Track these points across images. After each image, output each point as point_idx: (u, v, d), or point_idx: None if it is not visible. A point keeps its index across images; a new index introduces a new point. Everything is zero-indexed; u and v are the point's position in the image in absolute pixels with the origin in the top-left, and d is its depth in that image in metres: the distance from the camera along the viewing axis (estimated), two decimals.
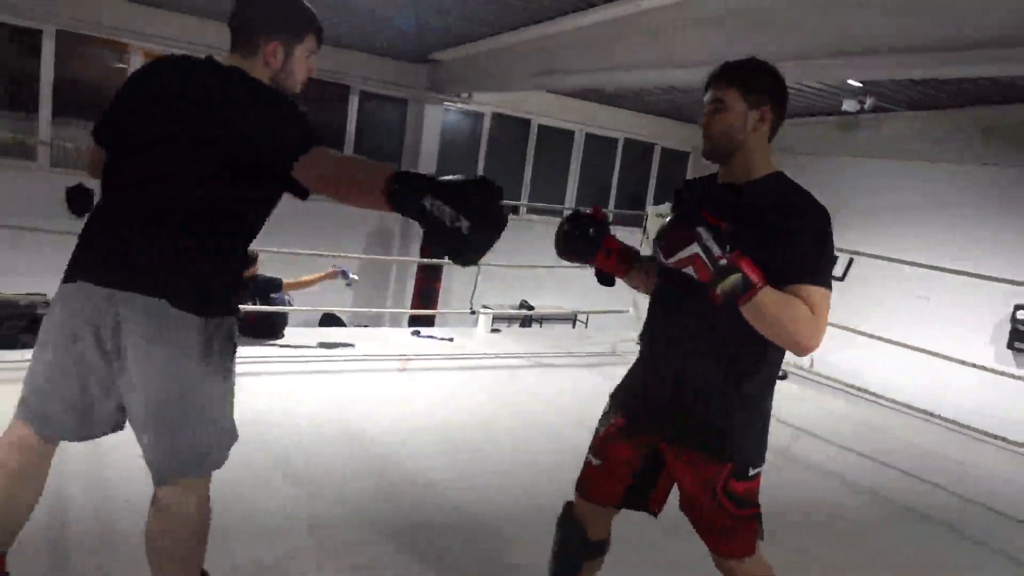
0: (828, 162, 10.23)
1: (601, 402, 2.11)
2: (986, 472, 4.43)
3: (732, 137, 1.80)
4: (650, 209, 6.65)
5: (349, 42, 9.42)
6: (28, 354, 4.07)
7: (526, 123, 11.49)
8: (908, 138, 9.72)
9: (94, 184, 7.37)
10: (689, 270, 1.66)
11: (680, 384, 1.85)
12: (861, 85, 8.08)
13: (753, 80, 1.81)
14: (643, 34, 6.36)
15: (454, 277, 10.39)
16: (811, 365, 5.53)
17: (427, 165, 10.45)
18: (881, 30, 4.61)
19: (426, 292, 9.90)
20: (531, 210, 11.48)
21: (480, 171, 11.25)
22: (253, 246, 1.94)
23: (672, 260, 1.67)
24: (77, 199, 8.41)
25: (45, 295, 4.70)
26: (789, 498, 3.57)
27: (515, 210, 11.20)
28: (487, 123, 11.21)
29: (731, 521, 1.83)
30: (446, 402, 4.51)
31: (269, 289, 5.42)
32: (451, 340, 6.06)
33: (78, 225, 6.60)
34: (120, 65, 8.82)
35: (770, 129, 1.82)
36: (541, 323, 11.20)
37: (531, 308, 10.97)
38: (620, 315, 7.41)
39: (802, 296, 1.66)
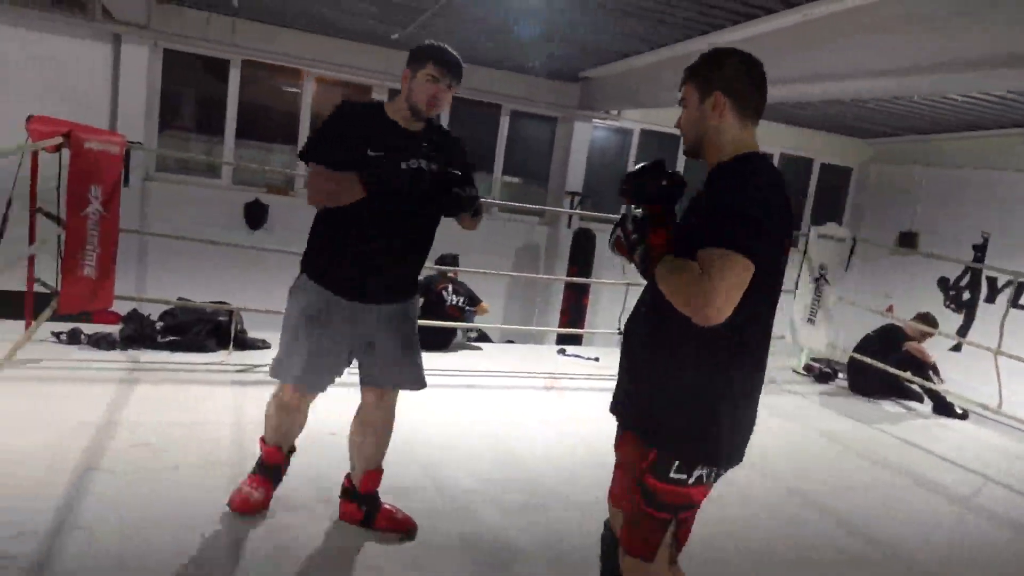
0: (1012, 176, 9.25)
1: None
2: None
3: (693, 129, 1.83)
4: (813, 230, 6.27)
5: (502, 63, 9.65)
6: (212, 357, 4.42)
7: (675, 139, 11.25)
8: None
9: (269, 200, 7.90)
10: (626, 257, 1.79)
11: (631, 372, 1.90)
12: None
13: (701, 71, 1.83)
14: (809, 44, 6.03)
15: (602, 293, 10.32)
16: (999, 405, 4.97)
17: (574, 182, 10.48)
18: None
19: (573, 309, 9.89)
20: None
21: None
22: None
23: (618, 252, 1.82)
24: (253, 214, 9.19)
25: (228, 304, 5.09)
26: (971, 557, 3.22)
27: None
28: (635, 139, 11.08)
29: (638, 512, 1.79)
30: (590, 423, 4.45)
31: (473, 301, 5.69)
32: (597, 360, 6.00)
33: (254, 238, 7.16)
34: (293, 90, 9.52)
35: (734, 113, 1.79)
36: None
37: None
38: (775, 340, 7.04)
39: (699, 259, 1.58)
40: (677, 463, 1.73)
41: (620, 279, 6.61)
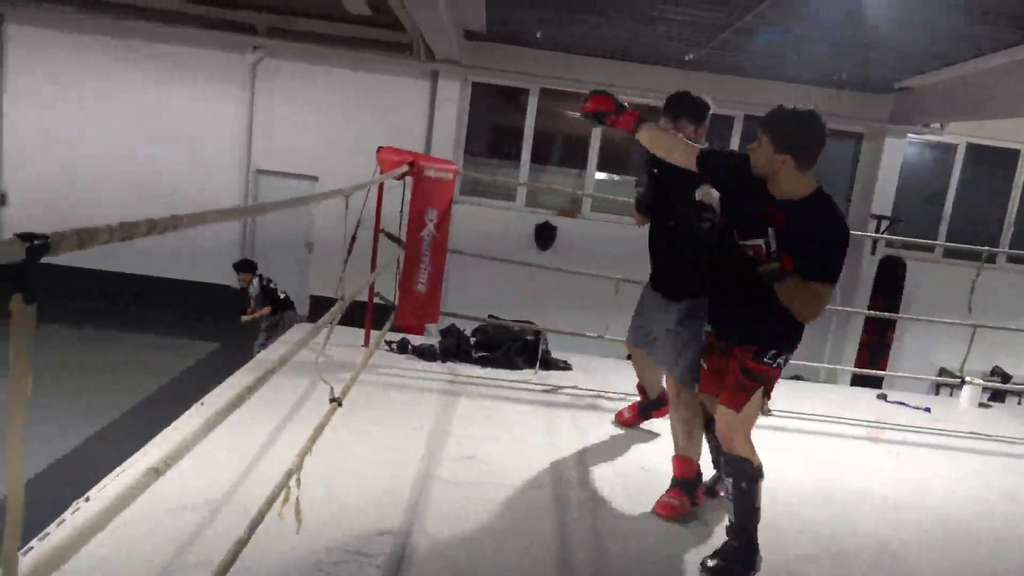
0: None
1: None
2: None
3: (765, 168, 2.54)
4: None
5: (800, 76, 9.00)
6: (520, 375, 4.56)
7: (1012, 154, 9.63)
8: None
9: (558, 222, 8.08)
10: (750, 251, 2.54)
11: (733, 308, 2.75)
12: None
13: (773, 129, 2.51)
14: None
15: (907, 328, 9.14)
16: None
17: (882, 204, 9.42)
18: None
19: (875, 345, 8.85)
20: (1012, 258, 9.54)
21: (948, 211, 9.75)
22: None
23: (742, 242, 2.57)
24: (542, 234, 9.43)
25: (534, 324, 5.24)
26: None
27: (991, 258, 9.40)
28: (960, 156, 9.67)
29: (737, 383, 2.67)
30: (932, 486, 3.82)
31: None
32: (928, 411, 5.20)
33: (542, 257, 7.27)
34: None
35: (794, 165, 2.49)
36: (1020, 399, 9.16)
37: (1007, 377, 9.07)
38: None
39: (812, 287, 2.45)
40: (767, 351, 2.64)
41: (958, 317, 5.71)
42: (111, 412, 6.62)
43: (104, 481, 2.59)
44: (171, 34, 9.25)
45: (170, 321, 9.54)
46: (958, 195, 9.72)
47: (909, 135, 9.40)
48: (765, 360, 2.63)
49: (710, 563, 2.65)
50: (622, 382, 4.73)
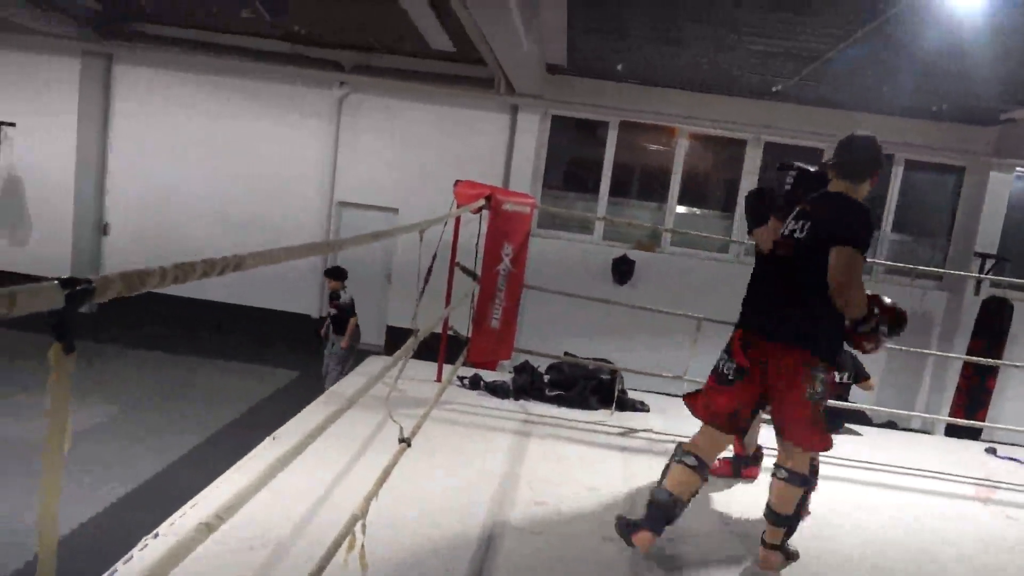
0: None
1: None
2: None
3: None
4: None
5: (897, 107, 8.58)
6: (595, 415, 4.40)
7: None
8: None
9: (636, 256, 7.91)
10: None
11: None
12: None
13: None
14: None
15: (1012, 375, 8.48)
16: None
17: (986, 242, 8.82)
18: None
19: (975, 392, 8.23)
20: None
21: None
22: None
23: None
24: (620, 268, 9.22)
25: (611, 362, 5.08)
26: None
27: None
28: None
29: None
30: None
31: (859, 375, 5.04)
32: None
33: (619, 293, 7.16)
34: (665, 148, 9.59)
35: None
36: None
37: None
38: None
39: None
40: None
41: None
42: (192, 438, 6.78)
43: (173, 517, 2.58)
44: (262, 71, 9.65)
45: (250, 348, 9.81)
46: None
47: (1017, 169, 8.80)
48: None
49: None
50: (695, 423, 4.50)
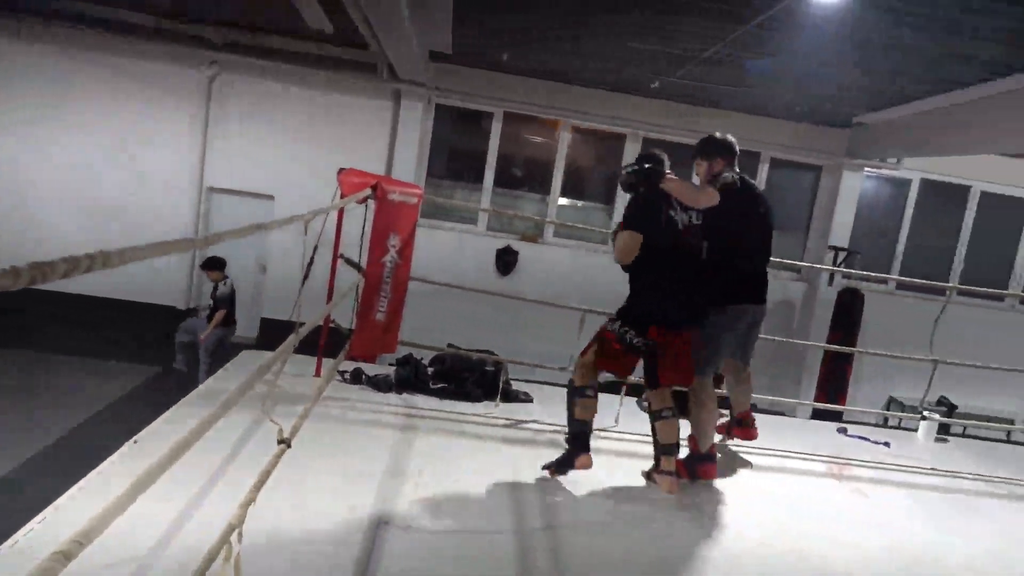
0: None
1: None
2: None
3: None
4: None
5: (763, 109, 9.11)
6: (479, 408, 4.38)
7: (963, 190, 9.88)
8: None
9: (520, 247, 7.97)
10: None
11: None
12: None
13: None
14: None
15: (865, 361, 9.24)
16: None
17: (840, 236, 9.54)
18: None
19: (835, 379, 8.89)
20: (963, 292, 9.72)
21: (902, 245, 9.93)
22: None
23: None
24: (504, 259, 9.27)
25: (494, 354, 5.08)
26: None
27: (942, 292, 9.58)
28: (914, 190, 9.88)
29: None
30: (893, 526, 3.75)
31: None
32: (887, 445, 5.18)
33: (503, 283, 7.22)
34: (548, 140, 9.71)
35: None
36: (964, 429, 9.27)
37: (953, 408, 9.20)
38: None
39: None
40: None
41: (912, 350, 5.75)
42: (37, 442, 6.20)
43: (17, 536, 2.33)
44: (125, 46, 8.92)
45: (107, 343, 9.08)
46: (912, 228, 9.92)
47: (866, 169, 9.57)
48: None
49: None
50: None
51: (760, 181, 9.73)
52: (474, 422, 4.39)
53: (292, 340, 2.76)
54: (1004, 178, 9.76)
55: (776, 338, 7.93)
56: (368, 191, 3.96)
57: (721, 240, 3.67)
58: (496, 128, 9.37)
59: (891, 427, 7.72)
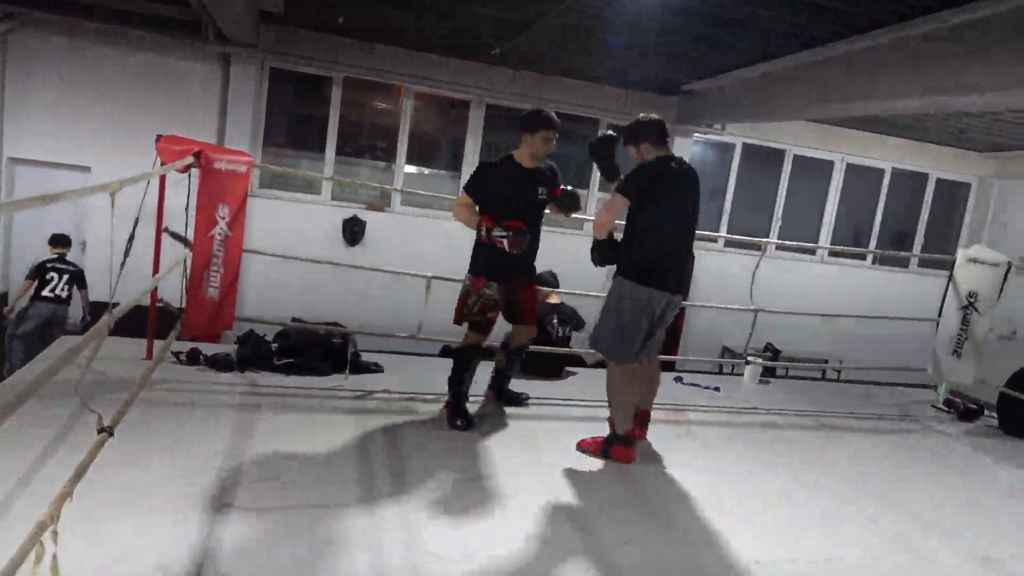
0: None
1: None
2: None
3: None
4: (960, 253, 5.74)
5: (600, 77, 9.41)
6: (328, 381, 4.29)
7: (780, 153, 10.76)
8: None
9: (367, 216, 7.86)
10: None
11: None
12: None
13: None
14: (930, 57, 5.59)
15: (696, 313, 9.91)
16: None
17: None
18: None
19: (671, 333, 9.47)
20: (781, 247, 10.65)
21: (729, 204, 10.70)
22: None
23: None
24: (351, 229, 9.12)
25: (343, 326, 4.98)
26: None
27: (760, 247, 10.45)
28: (737, 154, 10.64)
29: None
30: (721, 466, 4.10)
31: (579, 325, 5.48)
32: (718, 390, 5.63)
33: (352, 254, 7.16)
34: (392, 107, 9.52)
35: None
36: (787, 370, 10.25)
37: (777, 353, 10.14)
38: (890, 371, 6.53)
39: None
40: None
41: (739, 302, 6.24)
42: None
43: None
44: None
45: None
46: (736, 190, 10.70)
47: (695, 135, 10.17)
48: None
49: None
50: (436, 382, 4.62)
51: None
52: (322, 396, 4.30)
53: (106, 320, 2.56)
54: (814, 143, 10.73)
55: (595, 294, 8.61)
56: (190, 159, 3.71)
57: (636, 221, 3.67)
58: (337, 94, 9.05)
59: (726, 374, 8.39)
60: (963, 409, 5.79)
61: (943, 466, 4.54)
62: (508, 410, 4.47)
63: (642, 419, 4.01)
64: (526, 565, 2.69)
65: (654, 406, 4.34)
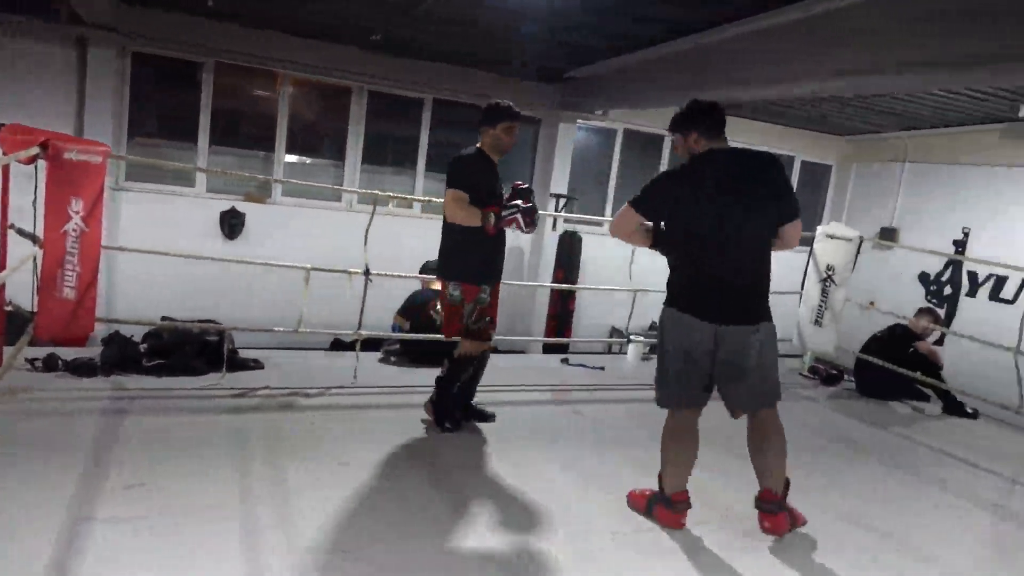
0: (995, 171, 9.33)
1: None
2: None
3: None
4: (819, 230, 6.15)
5: (483, 64, 9.41)
6: (204, 380, 4.12)
7: (659, 139, 11.14)
8: None
9: (246, 208, 7.56)
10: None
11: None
12: None
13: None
14: (800, 44, 5.94)
15: (584, 296, 10.15)
16: (1020, 405, 4.88)
17: (559, 183, 10.29)
18: None
19: (560, 316, 9.68)
20: None
21: (612, 188, 10.99)
22: None
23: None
24: (229, 223, 8.84)
25: (217, 323, 4.79)
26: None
27: None
28: (619, 140, 10.93)
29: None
30: (614, 438, 4.24)
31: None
32: (603, 369, 5.80)
33: (230, 247, 6.89)
34: (270, 94, 9.17)
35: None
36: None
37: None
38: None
39: None
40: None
41: (621, 284, 6.44)
42: None
43: None
44: None
45: None
46: (620, 174, 11.00)
47: (579, 121, 10.36)
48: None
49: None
50: (320, 376, 4.54)
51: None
52: (197, 396, 4.12)
53: None
54: None
55: (511, 282, 8.65)
56: (35, 149, 3.44)
57: (667, 231, 3.02)
58: (208, 81, 8.60)
59: (614, 353, 8.65)
60: (826, 375, 6.23)
61: (800, 426, 4.84)
62: (391, 398, 4.45)
63: (761, 501, 3.03)
64: (406, 553, 2.68)
65: (543, 387, 4.41)
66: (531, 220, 3.73)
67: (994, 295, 8.97)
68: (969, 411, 5.64)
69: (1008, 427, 5.35)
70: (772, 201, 2.94)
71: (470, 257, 3.75)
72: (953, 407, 5.67)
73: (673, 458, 3.05)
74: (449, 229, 3.77)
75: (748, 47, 6.48)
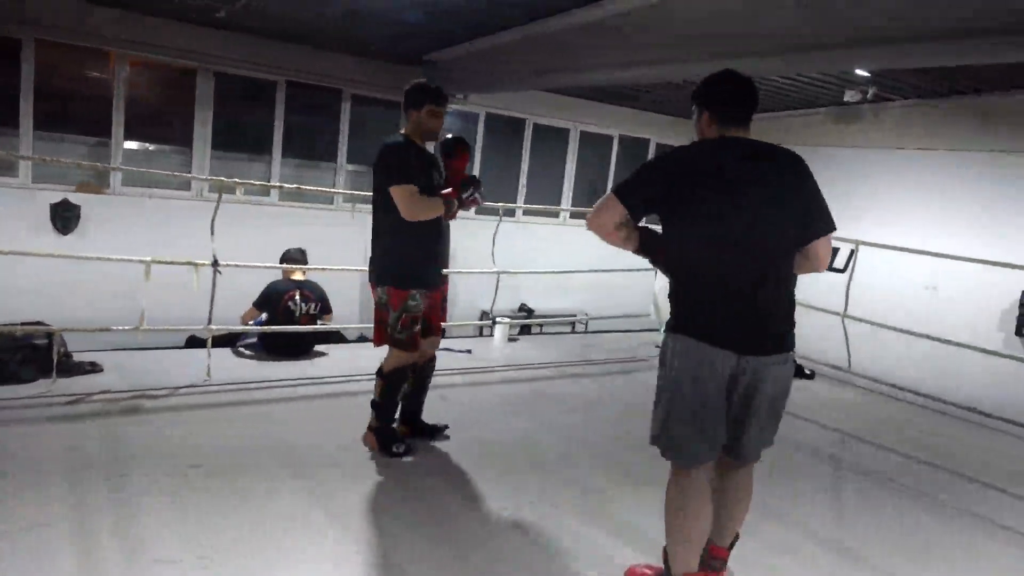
0: (827, 152, 10.15)
1: (640, 410, 2.46)
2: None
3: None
4: None
5: (340, 46, 9.13)
6: (32, 388, 3.78)
7: (521, 123, 11.27)
8: (908, 126, 9.63)
9: (81, 199, 7.00)
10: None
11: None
12: (869, 75, 7.93)
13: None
14: (648, 29, 6.17)
15: (459, 283, 10.15)
16: (849, 365, 5.37)
17: None
18: (887, 18, 4.41)
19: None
20: (528, 212, 11.24)
21: (477, 172, 11.02)
22: None
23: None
24: (61, 215, 8.13)
25: (46, 324, 4.38)
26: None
27: (510, 212, 10.92)
28: (482, 124, 10.96)
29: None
30: (479, 421, 4.27)
31: (325, 308, 5.33)
32: (469, 352, 5.82)
33: (65, 243, 6.32)
34: (103, 76, 8.45)
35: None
36: (542, 328, 10.91)
37: (531, 312, 10.74)
38: (626, 319, 7.24)
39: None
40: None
41: (487, 268, 6.48)
42: None
43: None
44: None
45: None
46: (484, 158, 11.04)
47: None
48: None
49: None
50: (166, 376, 4.27)
51: (344, 119, 9.84)
52: (23, 406, 3.75)
53: None
54: (551, 112, 11.37)
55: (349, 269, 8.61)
56: None
57: (664, 234, 2.38)
58: (29, 58, 7.79)
59: (486, 336, 8.70)
60: None
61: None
62: (249, 394, 4.25)
63: (710, 558, 2.49)
64: (265, 560, 2.58)
65: None
66: (480, 193, 3.64)
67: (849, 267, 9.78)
68: (807, 372, 6.13)
69: (839, 384, 5.87)
70: (800, 206, 2.35)
71: (403, 260, 3.45)
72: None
73: (678, 529, 2.35)
74: (378, 230, 3.49)
75: (587, 34, 6.62)
